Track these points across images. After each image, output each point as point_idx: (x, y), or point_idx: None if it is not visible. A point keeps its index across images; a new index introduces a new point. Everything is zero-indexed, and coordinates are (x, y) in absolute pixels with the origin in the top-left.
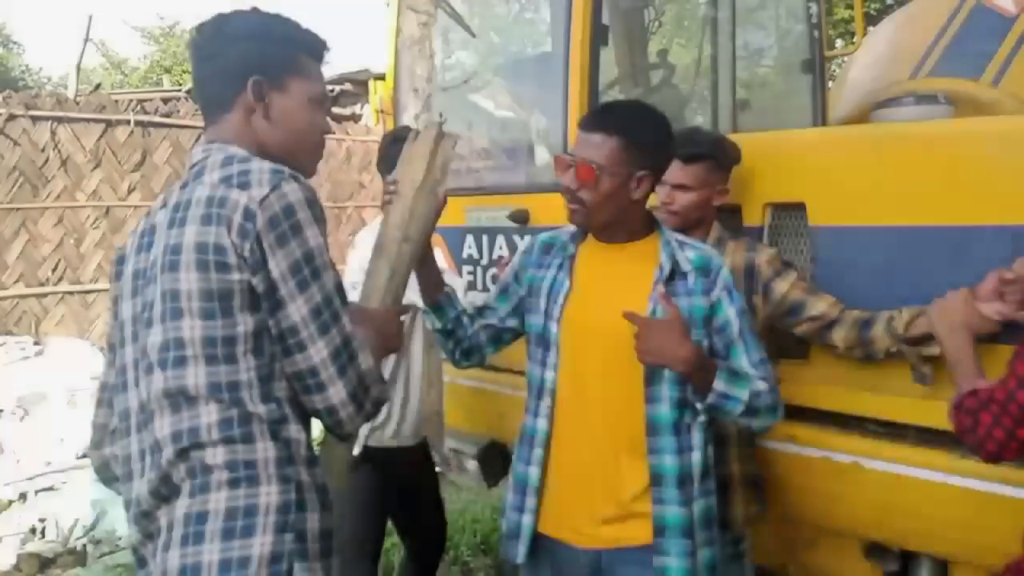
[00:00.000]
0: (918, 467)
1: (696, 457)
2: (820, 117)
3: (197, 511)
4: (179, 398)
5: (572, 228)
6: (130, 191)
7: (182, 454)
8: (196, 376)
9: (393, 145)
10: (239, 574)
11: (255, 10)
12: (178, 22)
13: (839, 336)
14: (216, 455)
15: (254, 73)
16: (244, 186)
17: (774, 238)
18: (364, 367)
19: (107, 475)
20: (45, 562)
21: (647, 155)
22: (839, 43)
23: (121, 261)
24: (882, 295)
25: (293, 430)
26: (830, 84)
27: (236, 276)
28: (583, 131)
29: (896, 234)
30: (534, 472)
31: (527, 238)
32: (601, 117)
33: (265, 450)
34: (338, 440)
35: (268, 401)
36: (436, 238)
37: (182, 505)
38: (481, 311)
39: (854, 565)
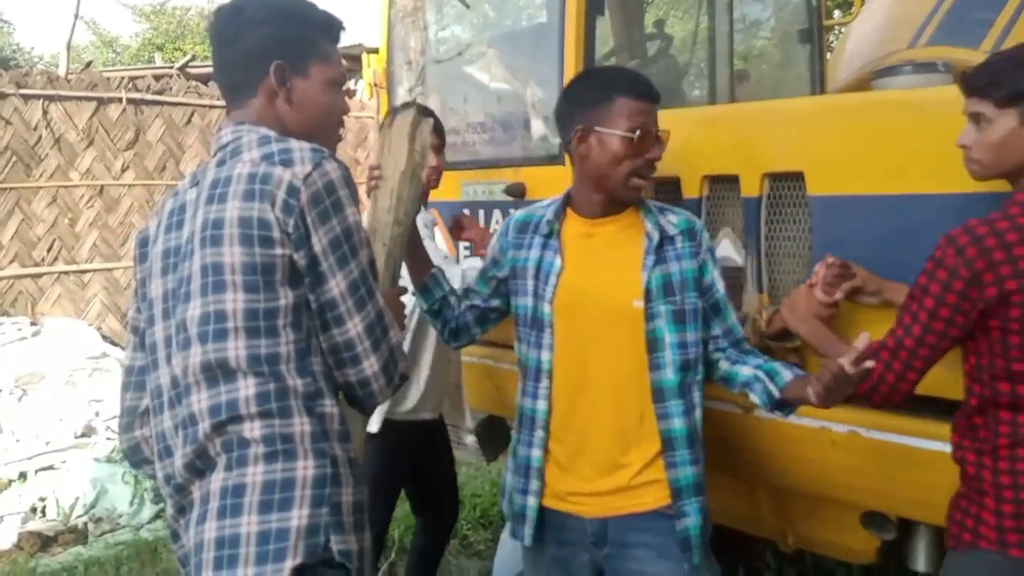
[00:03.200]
0: (915, 436)
1: (698, 414)
2: (819, 87)
3: (234, 484)
4: (217, 372)
5: (549, 203)
6: (123, 169)
7: (219, 427)
8: (237, 348)
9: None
10: (277, 545)
11: None
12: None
13: None
14: (254, 428)
15: (276, 58)
16: (287, 163)
17: (772, 208)
18: (394, 341)
19: (137, 458)
20: (46, 540)
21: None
22: (837, 13)
23: (145, 243)
24: (881, 264)
25: (328, 404)
26: (828, 55)
27: (279, 251)
28: (650, 102)
29: (895, 202)
30: (536, 454)
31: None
32: (650, 87)
33: (302, 424)
34: (360, 414)
35: (305, 375)
36: (432, 213)
37: (218, 478)
38: (467, 292)
39: (852, 534)
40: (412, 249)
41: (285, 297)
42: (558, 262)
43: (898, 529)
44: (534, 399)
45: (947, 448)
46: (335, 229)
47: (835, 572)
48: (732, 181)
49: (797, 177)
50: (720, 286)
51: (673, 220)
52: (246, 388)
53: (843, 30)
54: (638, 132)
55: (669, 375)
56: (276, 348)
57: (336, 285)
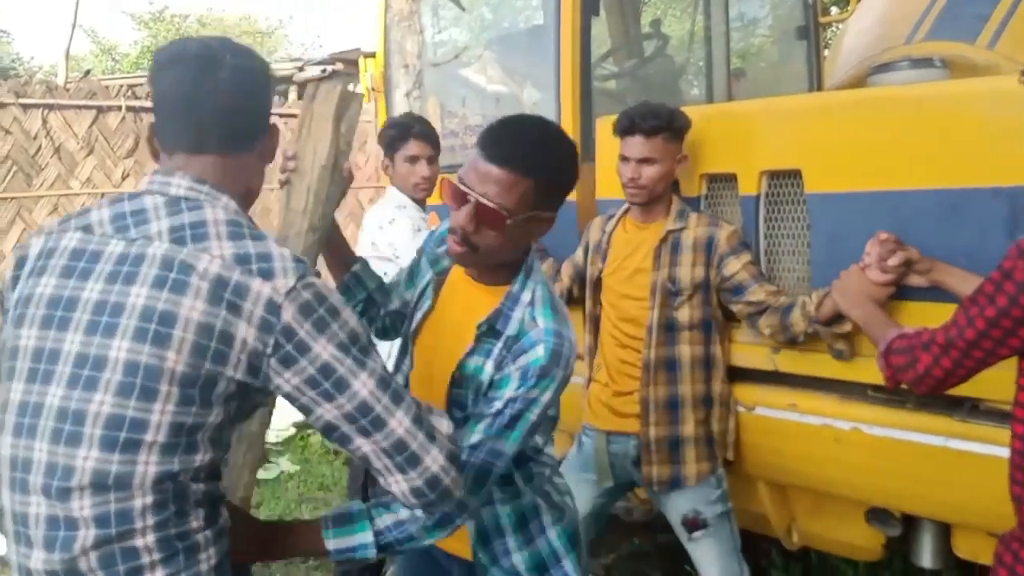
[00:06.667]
0: (919, 432)
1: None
2: (815, 84)
3: None
4: (111, 483)
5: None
6: (124, 177)
7: (104, 542)
8: (148, 464)
9: (388, 130)
10: None
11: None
12: (167, 7)
13: (764, 323)
14: (147, 538)
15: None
16: (266, 274)
17: (771, 206)
18: (445, 426)
19: None
20: None
21: (559, 196)
22: (834, 10)
23: (22, 264)
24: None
25: (216, 515)
26: (825, 52)
27: (230, 372)
28: (489, 162)
29: (893, 198)
30: None
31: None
32: (514, 151)
33: (198, 519)
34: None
35: (210, 480)
36: (432, 216)
37: None
38: (387, 293)
39: (857, 530)
40: (335, 243)
41: (216, 413)
42: (429, 302)
43: (903, 525)
44: None
45: (950, 443)
46: (339, 335)
47: (841, 569)
48: (730, 179)
49: (795, 175)
50: (499, 409)
51: (515, 316)
52: (143, 498)
53: (840, 27)
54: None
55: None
56: (191, 464)
57: (363, 385)
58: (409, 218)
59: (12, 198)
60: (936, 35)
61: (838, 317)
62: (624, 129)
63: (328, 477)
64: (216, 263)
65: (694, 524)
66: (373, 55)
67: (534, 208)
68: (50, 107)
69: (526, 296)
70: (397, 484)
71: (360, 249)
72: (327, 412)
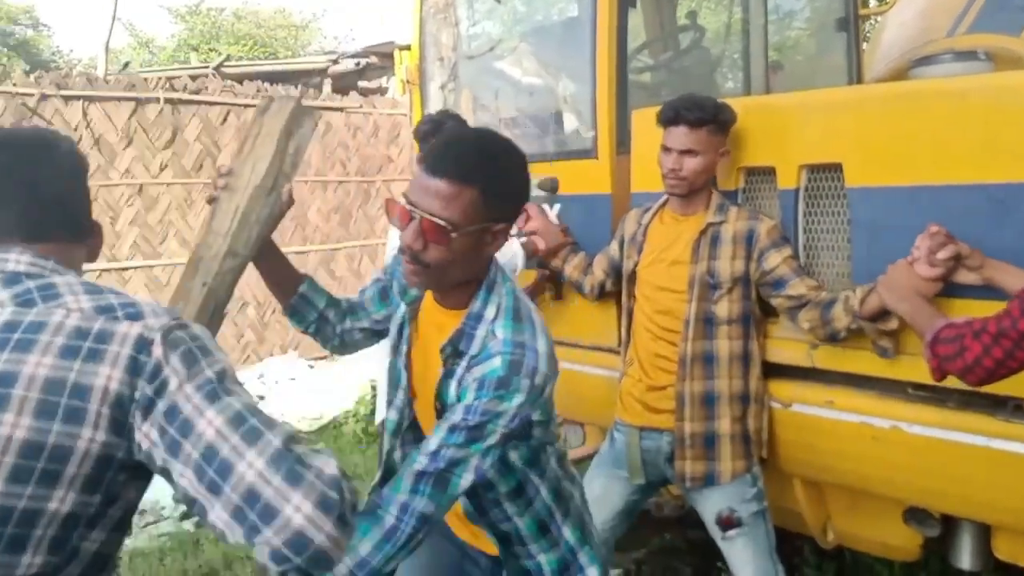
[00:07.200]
0: (960, 431)
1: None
2: (855, 77)
3: None
4: None
5: None
6: (162, 168)
7: None
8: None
9: (423, 126)
10: None
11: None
12: (203, 0)
13: (804, 317)
14: None
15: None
16: (134, 317)
17: (810, 200)
18: (327, 471)
19: None
20: None
21: (509, 205)
22: (873, 2)
23: None
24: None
25: None
26: (864, 45)
27: (87, 433)
28: (430, 175)
29: (937, 193)
30: None
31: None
32: (455, 161)
33: None
34: None
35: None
36: None
37: None
38: (354, 311)
39: (894, 530)
40: (271, 263)
41: (60, 500)
42: (407, 333)
43: (942, 525)
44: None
45: (992, 443)
46: (204, 372)
47: (876, 569)
48: (769, 173)
49: (835, 168)
50: (457, 420)
51: (479, 334)
52: None
53: (879, 19)
54: None
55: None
56: (11, 571)
57: (209, 424)
58: None
59: None
60: (979, 28)
61: (883, 313)
62: (668, 119)
63: (360, 466)
64: (74, 316)
65: (728, 522)
66: (408, 48)
67: (483, 220)
68: (90, 99)
69: (489, 312)
70: (259, 552)
71: (391, 240)
72: (181, 475)
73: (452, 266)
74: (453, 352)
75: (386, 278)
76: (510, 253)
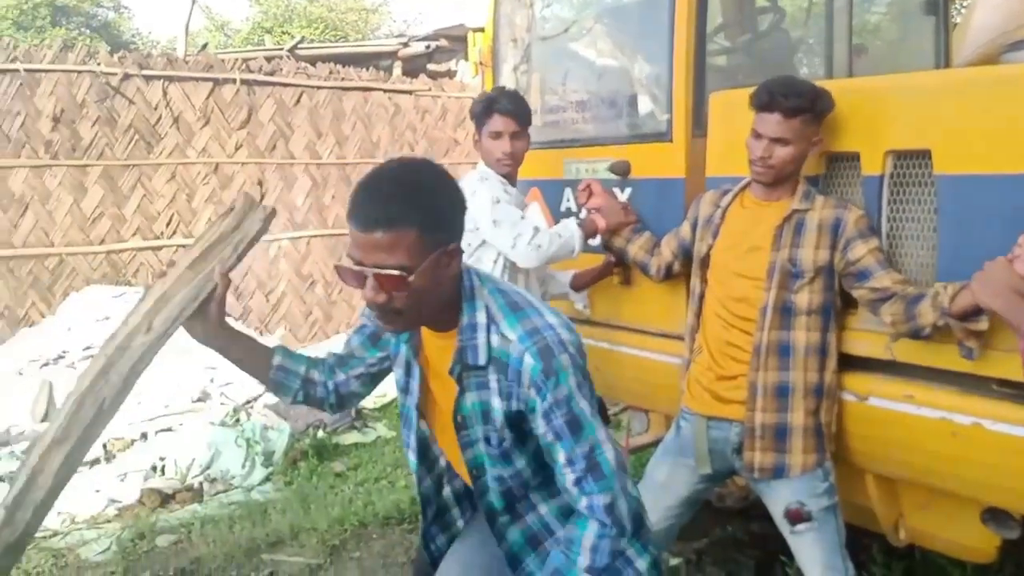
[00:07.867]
0: None
1: (532, 520)
2: (943, 61)
3: None
4: None
5: None
6: (237, 148)
7: None
8: None
9: (476, 105)
10: None
11: None
12: None
13: (887, 311)
14: None
15: None
16: None
17: (895, 188)
18: None
19: None
20: (165, 497)
21: (452, 224)
22: None
23: None
24: (1011, 248)
25: None
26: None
27: None
28: (363, 231)
29: None
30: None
31: None
32: (382, 210)
33: None
34: None
35: None
36: (534, 191)
37: None
38: (345, 362)
39: (970, 530)
40: (243, 352)
41: None
42: (416, 364)
43: (1022, 528)
44: (417, 483)
45: None
46: None
47: (947, 570)
48: (852, 159)
49: (923, 155)
50: (550, 429)
51: (480, 341)
52: None
53: (968, 1)
54: None
55: (494, 500)
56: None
57: None
58: (489, 189)
59: (133, 165)
60: None
61: (974, 312)
62: (762, 104)
63: None
64: None
65: (797, 516)
66: (482, 29)
67: (432, 249)
68: (170, 79)
69: (480, 318)
70: None
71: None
72: None
73: (423, 302)
74: (463, 368)
75: (372, 323)
76: (536, 219)
